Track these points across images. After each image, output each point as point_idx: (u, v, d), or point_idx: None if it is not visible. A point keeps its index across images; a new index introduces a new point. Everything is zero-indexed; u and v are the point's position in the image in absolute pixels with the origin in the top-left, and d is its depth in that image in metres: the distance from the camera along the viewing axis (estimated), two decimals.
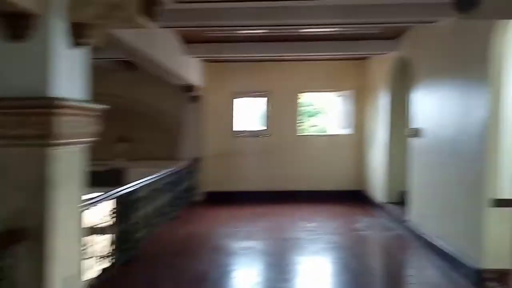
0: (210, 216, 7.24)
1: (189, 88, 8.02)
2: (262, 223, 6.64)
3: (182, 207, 7.51)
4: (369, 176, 8.13)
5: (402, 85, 6.93)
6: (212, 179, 8.70)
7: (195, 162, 8.48)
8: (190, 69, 7.34)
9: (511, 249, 3.04)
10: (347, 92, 8.19)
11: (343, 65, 8.55)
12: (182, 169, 7.75)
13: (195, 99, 8.44)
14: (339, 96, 8.50)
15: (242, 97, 8.78)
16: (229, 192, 8.70)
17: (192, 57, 7.04)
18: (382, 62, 7.32)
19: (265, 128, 8.69)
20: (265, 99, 8.68)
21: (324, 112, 21.19)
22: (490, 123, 3.82)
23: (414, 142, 5.68)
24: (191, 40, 6.53)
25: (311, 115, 20.42)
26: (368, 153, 8.17)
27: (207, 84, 8.63)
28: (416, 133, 5.56)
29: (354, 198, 8.39)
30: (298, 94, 8.71)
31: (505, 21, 3.62)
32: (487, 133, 3.84)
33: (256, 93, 8.75)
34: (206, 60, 8.40)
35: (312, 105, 20.47)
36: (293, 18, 4.38)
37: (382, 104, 7.27)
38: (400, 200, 6.86)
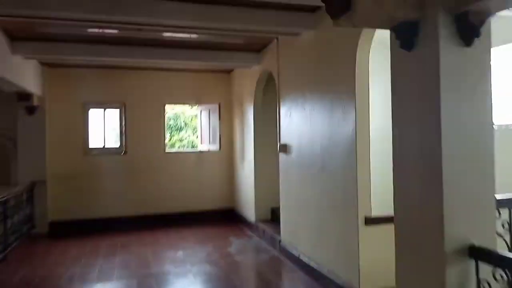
0: (55, 253, 5.97)
1: (24, 96, 6.61)
2: (122, 257, 5.69)
3: (16, 244, 6.05)
4: (240, 194, 7.85)
5: (267, 100, 6.86)
6: (59, 206, 7.34)
7: (35, 186, 7.04)
8: (23, 73, 6.00)
9: (385, 266, 2.94)
10: (212, 106, 7.84)
11: (208, 77, 8.18)
12: (16, 195, 6.30)
13: (33, 110, 7.02)
14: (204, 109, 8.09)
15: (96, 108, 7.67)
16: (81, 220, 7.45)
17: (24, 57, 5.75)
18: (247, 76, 7.16)
19: (121, 144, 7.73)
20: (121, 111, 7.73)
21: (191, 127, 20.84)
22: (358, 140, 3.77)
23: (283, 158, 5.56)
24: (18, 36, 5.31)
25: (177, 129, 19.76)
26: (238, 169, 7.91)
27: (51, 92, 7.30)
28: (284, 149, 5.45)
29: (226, 217, 8.01)
30: (163, 106, 8.02)
31: (369, 33, 3.64)
32: (355, 150, 3.80)
33: (113, 105, 7.75)
34: (46, 64, 7.09)
35: (178, 118, 19.87)
36: (147, 15, 3.76)
37: (248, 120, 7.09)
38: (272, 218, 6.73)
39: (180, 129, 19.13)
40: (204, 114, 8.09)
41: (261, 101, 6.83)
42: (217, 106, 7.65)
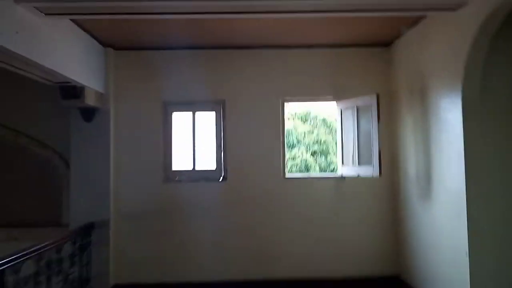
0: None
1: (69, 91, 4.10)
2: None
3: None
4: (419, 255, 4.23)
5: (498, 76, 3.36)
6: (129, 262, 4.68)
7: (95, 230, 4.50)
8: (53, 45, 3.39)
9: None
10: (363, 101, 4.53)
11: (353, 55, 4.85)
12: (68, 242, 3.80)
13: (91, 114, 4.54)
14: (346, 108, 4.81)
15: (182, 111, 4.94)
16: (160, 285, 4.69)
17: (38, 10, 3.03)
18: (438, 34, 3.68)
19: (219, 165, 4.83)
20: (218, 113, 4.87)
21: (304, 144, 17.71)
22: None
23: None
24: None
25: (289, 147, 16.88)
26: (414, 211, 4.35)
27: (117, 88, 4.77)
28: None
29: None
30: (281, 105, 4.94)
31: None
32: None
33: (207, 105, 4.93)
34: (109, 45, 4.58)
35: (290, 135, 17.15)
36: None
37: (446, 119, 3.60)
38: None
39: (292, 147, 16.26)
40: (348, 116, 4.79)
41: (479, 80, 3.30)
42: (372, 100, 4.33)
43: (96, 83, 4.38)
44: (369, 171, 4.39)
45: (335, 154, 17.02)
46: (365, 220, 4.75)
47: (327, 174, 5.03)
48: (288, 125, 16.07)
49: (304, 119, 18.35)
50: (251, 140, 4.79)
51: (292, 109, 18.28)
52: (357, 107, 4.61)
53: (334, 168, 16.45)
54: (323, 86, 4.88)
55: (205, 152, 4.85)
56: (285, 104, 4.97)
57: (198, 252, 4.71)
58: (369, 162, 4.42)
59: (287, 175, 4.89)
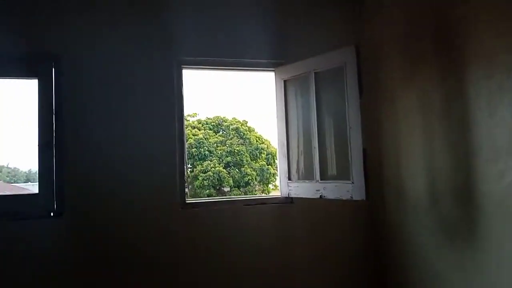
0: None
1: None
2: None
3: None
4: None
5: None
6: None
7: None
8: None
9: None
10: (327, 61, 2.42)
11: None
12: None
13: None
14: (292, 81, 2.64)
15: None
16: None
17: None
18: None
19: (52, 185, 2.19)
20: (46, 83, 2.24)
21: (216, 155, 16.11)
22: None
23: None
24: None
25: (200, 159, 15.40)
26: (422, 266, 2.30)
27: None
28: None
29: None
30: (178, 73, 2.58)
31: None
32: None
33: (22, 65, 2.38)
34: None
35: (201, 146, 15.40)
36: None
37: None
38: None
39: (203, 159, 14.25)
40: (295, 92, 2.64)
41: None
42: (347, 57, 2.24)
43: None
44: (344, 190, 2.26)
45: (249, 166, 15.30)
46: (336, 258, 2.61)
47: (263, 196, 2.81)
48: (199, 135, 14.51)
49: (216, 129, 16.51)
50: (115, 133, 2.36)
51: (202, 115, 16.50)
52: (315, 73, 2.48)
53: (248, 180, 14.77)
54: (252, 39, 2.67)
55: (16, 159, 2.31)
56: (184, 71, 2.64)
57: None
58: (342, 174, 2.31)
59: (188, 200, 2.53)
